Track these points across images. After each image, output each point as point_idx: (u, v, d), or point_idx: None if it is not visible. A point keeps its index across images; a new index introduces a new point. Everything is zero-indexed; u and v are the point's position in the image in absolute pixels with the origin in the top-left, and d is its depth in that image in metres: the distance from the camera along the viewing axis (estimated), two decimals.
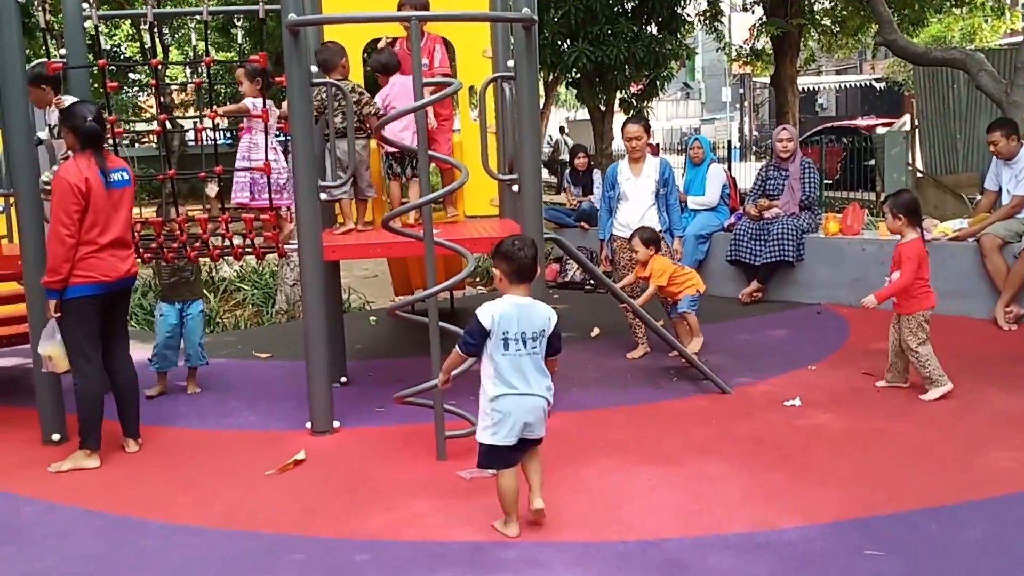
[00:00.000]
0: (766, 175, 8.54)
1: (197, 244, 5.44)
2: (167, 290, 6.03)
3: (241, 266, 10.28)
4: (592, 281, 9.16)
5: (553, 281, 9.65)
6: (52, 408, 5.08)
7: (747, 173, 14.32)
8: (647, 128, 6.73)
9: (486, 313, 3.65)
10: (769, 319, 7.76)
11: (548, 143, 25.19)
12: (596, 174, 10.04)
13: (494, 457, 3.72)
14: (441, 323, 4.65)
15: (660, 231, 6.63)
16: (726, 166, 13.31)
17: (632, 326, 6.71)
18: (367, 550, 3.66)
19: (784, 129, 8.61)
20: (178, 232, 5.33)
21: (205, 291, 9.34)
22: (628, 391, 5.79)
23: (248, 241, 5.37)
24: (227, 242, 5.37)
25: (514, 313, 3.66)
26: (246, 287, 9.72)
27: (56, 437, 5.04)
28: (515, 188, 5.09)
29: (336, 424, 5.15)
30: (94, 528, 3.98)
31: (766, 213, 8.30)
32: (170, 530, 3.93)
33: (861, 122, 21.45)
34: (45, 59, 5.43)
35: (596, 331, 7.51)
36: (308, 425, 5.13)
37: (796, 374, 6.00)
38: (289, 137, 4.91)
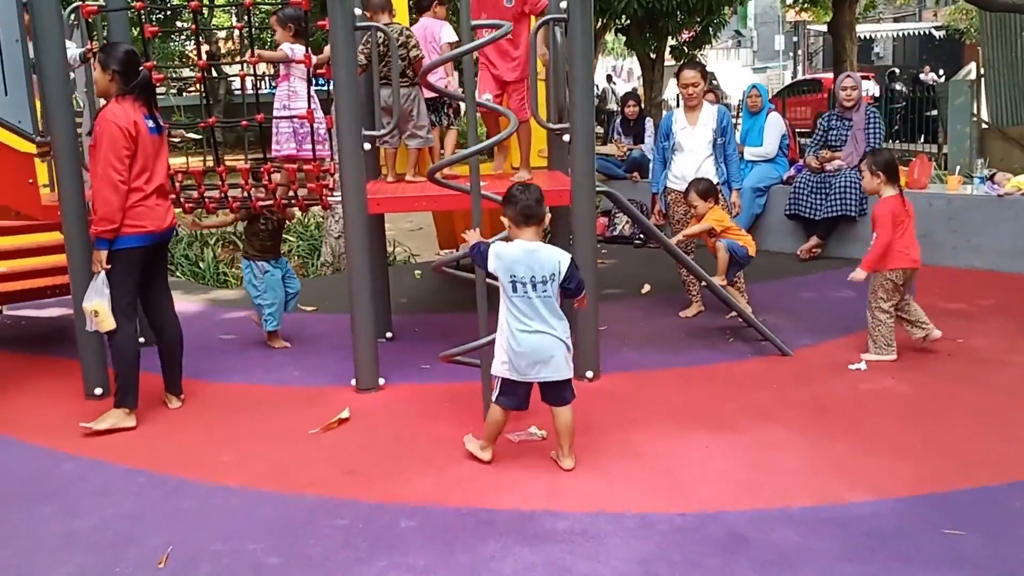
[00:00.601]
0: (828, 125, 8.16)
1: (240, 195, 5.28)
2: (271, 247, 5.81)
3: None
4: (642, 235, 8.91)
5: (601, 235, 9.39)
6: (95, 362, 4.99)
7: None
8: (704, 74, 6.41)
9: (492, 254, 3.77)
10: (830, 276, 7.45)
11: (596, 92, 24.70)
12: (648, 122, 9.71)
13: (505, 390, 3.84)
14: (488, 280, 4.45)
15: (717, 183, 6.36)
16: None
17: (686, 283, 6.46)
18: (413, 515, 3.52)
19: (848, 77, 8.21)
20: (219, 183, 5.17)
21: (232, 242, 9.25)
22: (681, 352, 5.56)
23: (292, 192, 5.19)
24: (270, 193, 5.20)
25: (520, 257, 3.71)
26: (291, 238, 9.60)
27: (99, 392, 4.96)
28: (565, 138, 4.84)
29: (381, 381, 5.01)
30: (135, 487, 3.89)
31: (828, 165, 7.96)
32: (210, 490, 3.82)
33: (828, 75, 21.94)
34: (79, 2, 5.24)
35: (647, 288, 7.27)
36: (353, 382, 5.00)
37: (860, 335, 5.70)
38: (327, 84, 4.70)
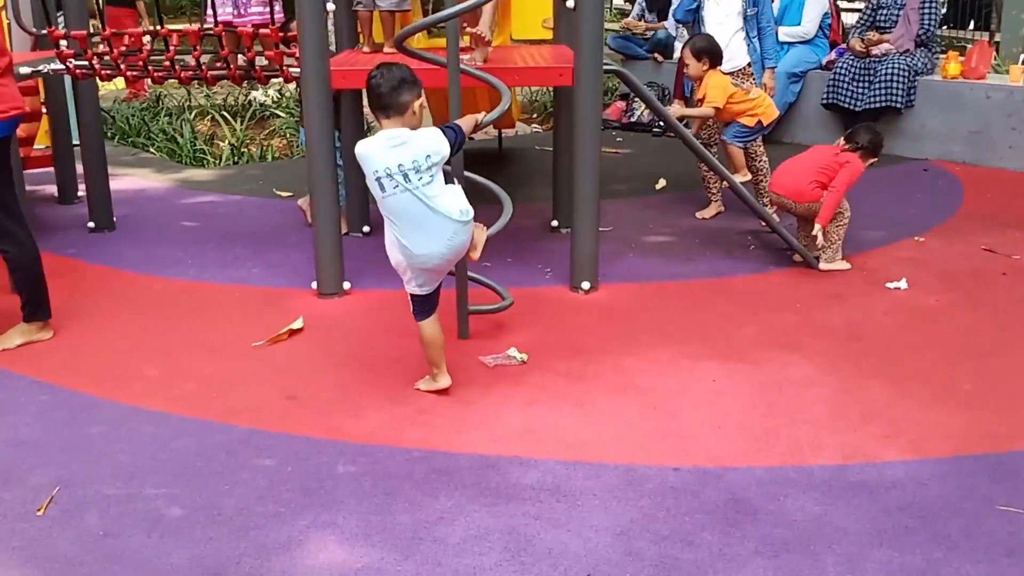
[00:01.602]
0: (877, 3, 7.22)
1: (191, 65, 4.53)
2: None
3: (278, 89, 9.41)
4: (662, 123, 8.08)
5: (617, 121, 8.58)
6: None
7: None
8: None
9: (357, 153, 3.15)
10: (868, 176, 6.55)
11: None
12: None
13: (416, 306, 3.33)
14: (471, 174, 3.76)
15: (748, 63, 5.54)
16: None
17: (705, 179, 5.72)
18: (354, 458, 2.92)
19: None
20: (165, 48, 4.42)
21: (229, 115, 8.51)
22: (694, 260, 4.87)
23: (246, 61, 4.44)
24: (223, 62, 4.45)
25: (381, 147, 3.07)
26: (281, 114, 8.86)
27: None
28: (569, 3, 4.04)
29: (346, 285, 4.37)
30: (35, 407, 3.31)
31: (874, 49, 7.05)
32: (123, 414, 3.24)
33: None
34: None
35: (662, 183, 6.52)
36: (314, 285, 4.37)
37: (900, 246, 5.00)
38: None
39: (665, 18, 8.52)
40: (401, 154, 3.02)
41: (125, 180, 6.85)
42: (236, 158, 7.61)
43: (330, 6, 3.97)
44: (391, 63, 3.13)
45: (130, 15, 9.40)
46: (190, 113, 8.70)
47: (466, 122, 3.35)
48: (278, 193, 6.36)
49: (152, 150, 7.89)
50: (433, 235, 3.10)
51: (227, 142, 7.85)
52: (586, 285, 4.33)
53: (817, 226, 4.48)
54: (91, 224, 5.44)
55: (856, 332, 3.87)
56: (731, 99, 5.14)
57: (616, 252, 4.97)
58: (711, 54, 5.12)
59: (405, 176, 3.02)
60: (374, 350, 3.75)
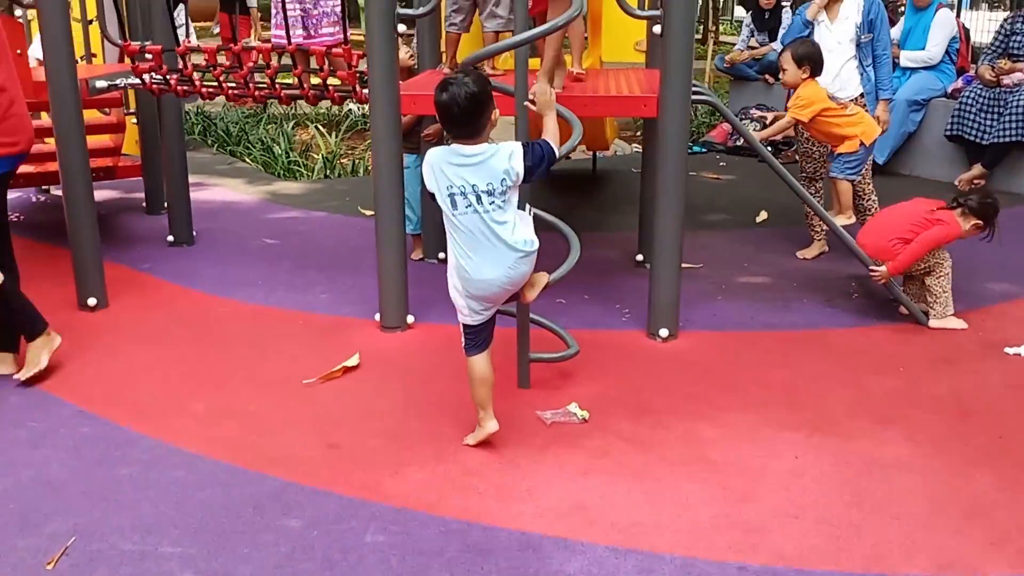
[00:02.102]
0: (1011, 29, 6.63)
1: (266, 82, 4.41)
2: (407, 136, 4.65)
3: None
4: (772, 146, 7.63)
5: (723, 143, 8.17)
6: (91, 267, 4.32)
7: (978, 26, 11.83)
8: None
9: (424, 165, 2.92)
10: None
11: None
12: (786, 14, 8.26)
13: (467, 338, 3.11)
14: (537, 211, 3.48)
15: (861, 94, 5.10)
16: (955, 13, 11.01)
17: (808, 215, 5.30)
18: (385, 525, 2.68)
19: None
20: (237, 64, 4.30)
21: (321, 128, 8.47)
22: (790, 307, 4.47)
23: (320, 82, 4.28)
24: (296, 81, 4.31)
25: (455, 163, 2.83)
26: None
27: (92, 302, 4.31)
28: (656, 29, 3.72)
29: (410, 319, 4.16)
30: (75, 440, 3.19)
31: (1005, 79, 6.47)
32: (159, 454, 3.08)
33: None
34: None
35: (763, 215, 6.11)
36: (377, 317, 4.17)
37: None
38: None
39: (775, 39, 8.07)
40: (476, 173, 2.80)
41: (216, 191, 6.85)
42: (328, 171, 7.53)
43: (401, 27, 3.75)
44: (458, 76, 2.80)
45: (244, 22, 9.51)
46: (289, 123, 8.69)
47: (554, 136, 3.05)
48: (363, 212, 6.22)
49: (248, 160, 7.90)
50: (495, 261, 2.88)
51: (321, 155, 7.80)
52: (664, 333, 4.00)
53: (882, 268, 4.09)
54: (170, 238, 5.40)
55: (966, 406, 3.43)
56: (823, 114, 4.68)
57: (703, 293, 4.61)
58: (813, 61, 4.70)
59: (478, 198, 2.81)
60: (429, 394, 3.51)
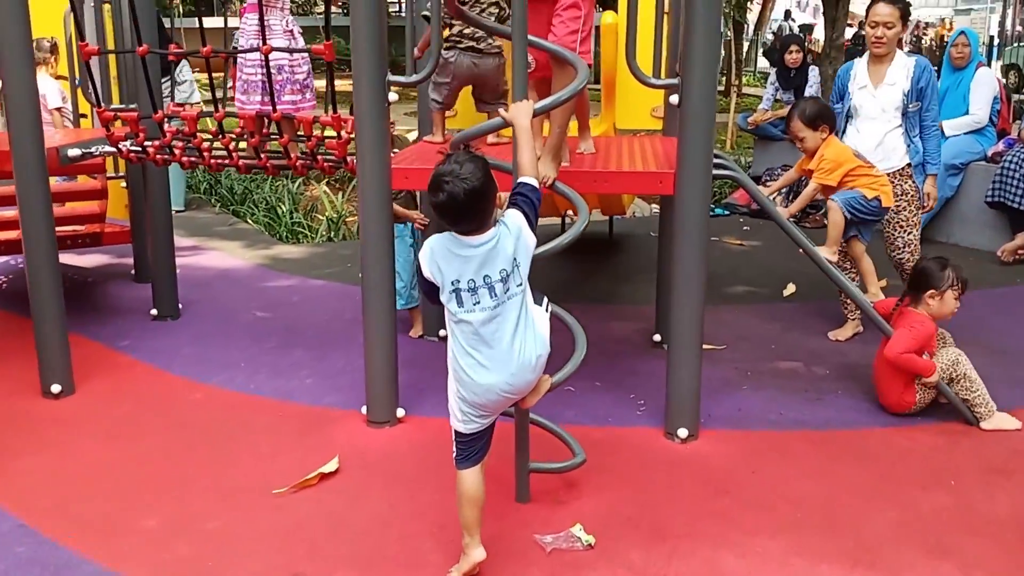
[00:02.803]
0: None
1: (242, 149, 4.08)
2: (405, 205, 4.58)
3: None
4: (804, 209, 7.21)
5: (746, 206, 7.78)
6: (56, 349, 3.97)
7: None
8: (904, 13, 4.70)
9: (423, 254, 2.55)
10: None
11: (770, 30, 22.36)
12: (812, 72, 7.90)
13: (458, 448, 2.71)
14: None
15: (907, 164, 4.69)
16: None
17: (842, 292, 4.86)
18: None
19: None
20: (219, 133, 3.97)
21: (327, 189, 8.17)
22: (823, 399, 4.03)
23: (305, 151, 3.95)
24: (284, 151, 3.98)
25: (460, 254, 2.47)
26: None
27: (56, 389, 3.95)
28: (673, 100, 3.35)
29: (400, 413, 3.76)
30: (8, 563, 2.80)
31: None
32: None
33: None
34: None
35: (791, 288, 5.68)
36: (364, 410, 3.78)
37: None
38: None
39: (801, 96, 7.69)
40: (488, 264, 2.46)
41: (212, 256, 6.53)
42: (333, 233, 7.20)
43: (392, 97, 3.40)
44: (452, 168, 2.41)
45: None
46: (295, 182, 8.40)
47: (532, 171, 2.68)
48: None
49: (250, 221, 7.59)
50: (500, 364, 2.51)
51: (326, 216, 7.48)
52: (683, 433, 3.58)
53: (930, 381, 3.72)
54: (154, 311, 5.05)
55: None
56: (850, 172, 4.38)
57: (726, 381, 4.19)
58: (826, 119, 4.36)
59: (491, 289, 2.46)
60: (414, 508, 3.10)
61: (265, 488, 3.22)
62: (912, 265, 4.63)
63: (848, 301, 4.80)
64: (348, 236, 7.26)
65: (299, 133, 3.98)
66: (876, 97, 4.72)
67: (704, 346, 4.61)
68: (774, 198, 6.54)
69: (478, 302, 2.46)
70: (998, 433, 3.68)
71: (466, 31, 3.81)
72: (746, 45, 20.92)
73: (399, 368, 3.90)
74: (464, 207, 2.38)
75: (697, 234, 3.41)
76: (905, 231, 4.74)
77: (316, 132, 3.87)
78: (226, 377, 4.26)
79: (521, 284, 2.50)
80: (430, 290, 2.54)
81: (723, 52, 23.45)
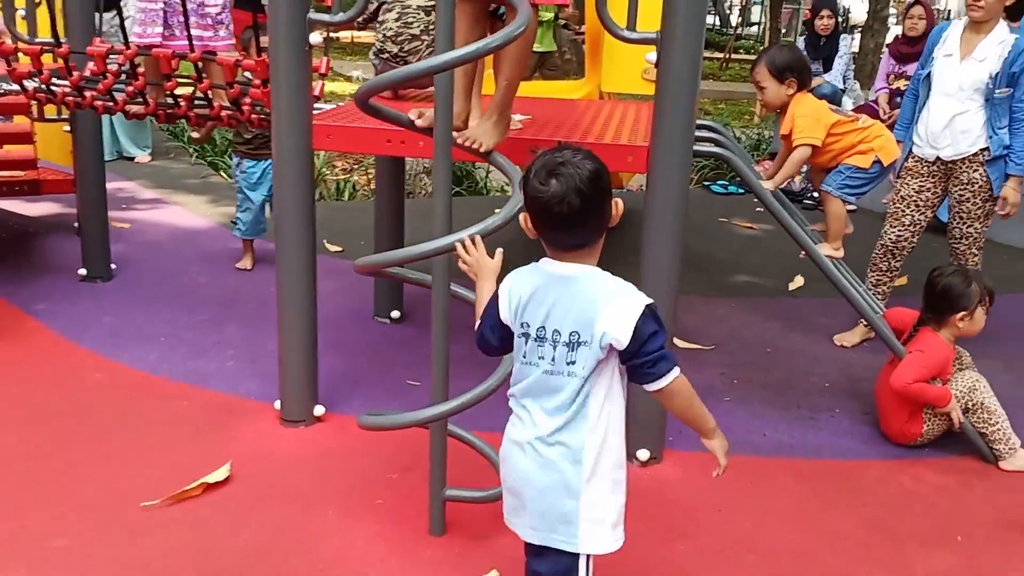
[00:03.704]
0: None
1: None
2: (256, 145, 4.76)
3: None
4: (815, 194, 6.59)
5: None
6: None
7: None
8: None
9: (504, 284, 1.90)
10: None
11: None
12: (844, 42, 7.18)
13: None
14: (456, 288, 2.57)
15: (980, 150, 3.94)
16: None
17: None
18: None
19: None
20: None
21: None
22: (817, 420, 3.46)
23: (230, 100, 3.40)
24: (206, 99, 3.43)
25: (537, 286, 1.82)
26: None
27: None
28: (650, 56, 2.76)
29: (319, 411, 3.24)
30: None
31: None
32: None
33: None
34: None
35: (798, 281, 5.10)
36: (278, 405, 3.26)
37: None
38: None
39: (829, 68, 7.00)
40: (564, 308, 1.78)
41: (171, 211, 6.03)
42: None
43: (314, 38, 2.84)
44: (565, 153, 1.77)
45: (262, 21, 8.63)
46: None
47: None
48: (327, 246, 5.33)
49: (224, 174, 7.07)
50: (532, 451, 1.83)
51: None
52: (643, 455, 3.03)
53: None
54: (82, 271, 4.55)
55: None
56: (832, 130, 3.61)
57: (708, 390, 3.63)
58: (798, 71, 3.57)
59: (553, 348, 1.79)
60: (304, 534, 2.58)
61: (135, 498, 2.72)
62: (967, 260, 4.03)
63: (878, 291, 4.20)
64: (326, 196, 6.73)
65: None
66: (960, 71, 3.94)
67: (689, 345, 4.10)
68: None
69: (542, 358, 1.81)
70: (1019, 476, 3.10)
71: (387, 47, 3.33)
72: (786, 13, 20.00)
73: (331, 354, 3.41)
74: (578, 210, 1.73)
75: (670, 222, 2.84)
76: (965, 223, 4.04)
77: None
78: (139, 354, 3.76)
79: (600, 373, 1.79)
80: (492, 337, 1.92)
81: (764, 18, 22.49)
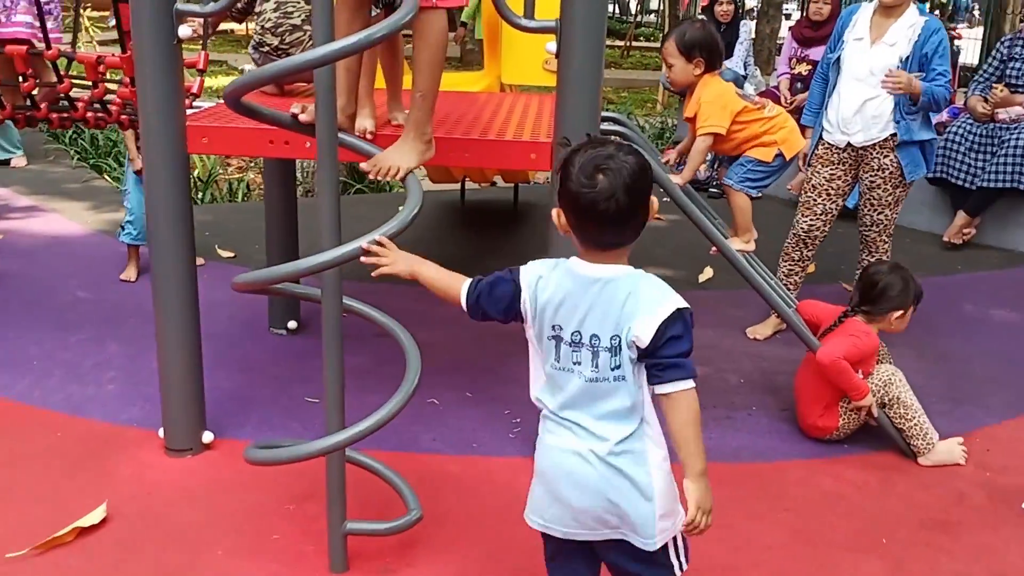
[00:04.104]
0: (1008, 53, 5.61)
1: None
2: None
3: None
4: (719, 183, 6.55)
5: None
6: None
7: (971, 49, 10.68)
8: None
9: (529, 274, 1.82)
10: (986, 282, 5.08)
11: None
12: (744, 28, 7.17)
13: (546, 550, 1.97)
14: (350, 302, 2.37)
15: (890, 135, 3.88)
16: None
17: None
18: None
19: None
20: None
21: None
22: (734, 420, 3.36)
23: (94, 99, 3.11)
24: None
25: (569, 289, 1.76)
26: None
27: None
28: (549, 46, 2.59)
29: (207, 438, 2.99)
30: None
31: (1000, 112, 5.46)
32: None
33: None
34: None
35: (707, 273, 5.02)
36: (162, 433, 2.99)
37: None
38: None
39: (730, 56, 6.97)
40: (599, 315, 1.72)
41: (48, 219, 5.62)
42: (200, 194, 6.32)
43: (184, 31, 2.58)
44: (613, 148, 1.71)
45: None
46: None
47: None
48: (219, 252, 5.03)
49: (108, 177, 6.65)
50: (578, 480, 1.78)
51: (195, 174, 6.58)
52: None
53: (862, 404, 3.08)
54: None
55: None
56: (738, 118, 3.46)
57: None
58: (707, 50, 3.38)
59: (594, 355, 1.74)
60: None
61: (2, 548, 2.43)
62: (878, 247, 3.99)
63: (789, 281, 4.14)
64: (217, 198, 6.40)
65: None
66: (868, 55, 3.88)
67: None
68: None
69: (578, 362, 1.76)
70: (940, 471, 3.04)
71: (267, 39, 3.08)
72: None
73: (222, 372, 3.16)
74: (625, 208, 1.67)
75: None
76: (876, 210, 3.99)
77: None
78: (7, 380, 3.43)
79: (635, 379, 1.74)
80: (495, 313, 1.86)
81: (663, 5, 22.63)
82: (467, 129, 2.89)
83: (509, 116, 3.16)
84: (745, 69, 7.08)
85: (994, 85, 5.52)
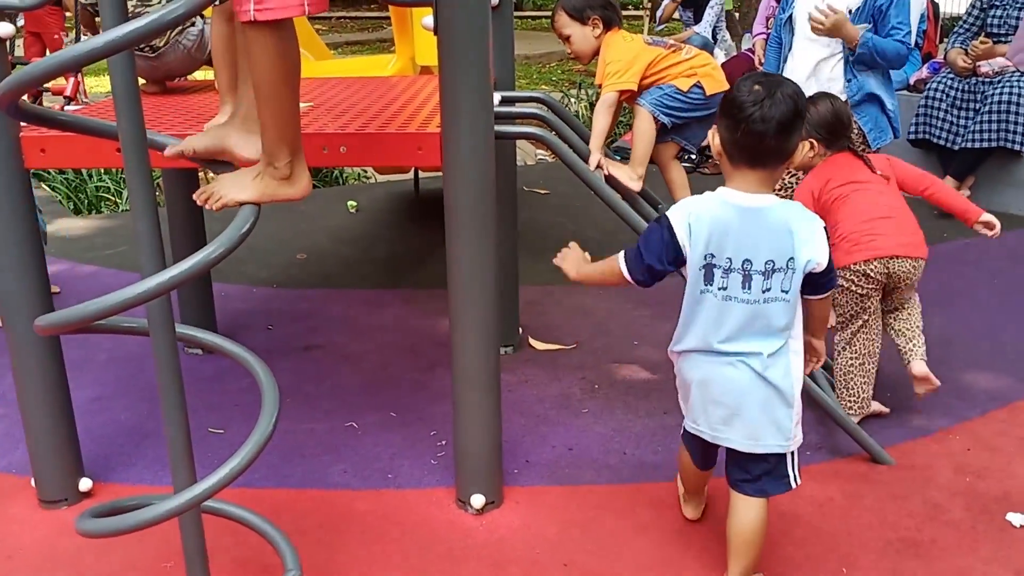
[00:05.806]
0: (990, 2, 5.21)
1: None
2: None
3: None
4: (694, 155, 6.17)
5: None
6: None
7: (950, 3, 10.25)
8: None
9: (680, 214, 1.99)
10: (970, 251, 4.71)
11: None
12: None
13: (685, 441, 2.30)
14: (187, 331, 2.04)
15: (845, 100, 3.54)
16: None
17: None
18: None
19: None
20: None
21: None
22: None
23: None
24: None
25: (729, 221, 1.95)
26: None
27: None
28: (426, 21, 2.23)
29: (86, 485, 2.66)
30: None
31: (983, 65, 5.07)
32: None
33: None
34: None
35: None
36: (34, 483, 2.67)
37: None
38: None
39: (700, 19, 6.57)
40: (770, 242, 1.94)
41: None
42: (88, 203, 5.99)
43: (5, 28, 2.22)
44: (778, 76, 2.00)
45: (55, 13, 7.76)
46: None
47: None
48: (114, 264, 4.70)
49: (46, 186, 6.31)
50: (736, 387, 2.03)
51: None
52: (478, 501, 2.53)
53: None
54: None
55: None
56: (649, 71, 3.01)
57: (563, 402, 3.18)
58: (601, 6, 3.04)
59: (766, 277, 1.95)
60: None
61: None
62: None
63: None
64: (161, 203, 6.04)
65: None
66: (819, 13, 3.52)
67: (547, 346, 3.66)
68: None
69: (724, 287, 1.97)
70: (909, 481, 2.69)
71: None
72: None
73: (113, 404, 2.84)
74: (782, 129, 1.89)
75: (475, 222, 2.32)
76: None
77: None
78: None
79: (790, 300, 1.98)
80: (663, 265, 2.04)
81: None
82: (350, 120, 2.53)
83: (408, 103, 2.80)
84: (715, 35, 6.69)
85: (976, 38, 5.13)
